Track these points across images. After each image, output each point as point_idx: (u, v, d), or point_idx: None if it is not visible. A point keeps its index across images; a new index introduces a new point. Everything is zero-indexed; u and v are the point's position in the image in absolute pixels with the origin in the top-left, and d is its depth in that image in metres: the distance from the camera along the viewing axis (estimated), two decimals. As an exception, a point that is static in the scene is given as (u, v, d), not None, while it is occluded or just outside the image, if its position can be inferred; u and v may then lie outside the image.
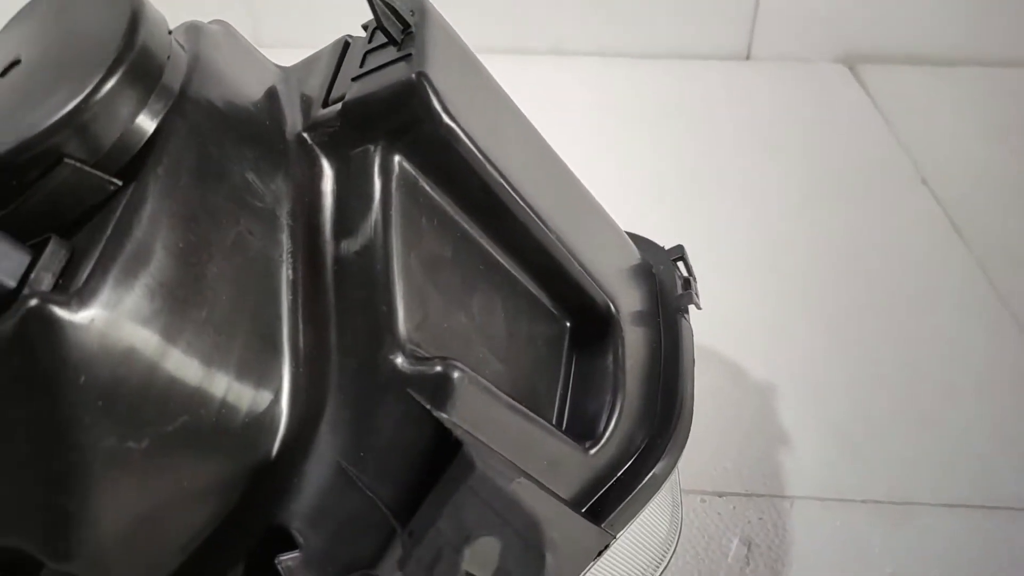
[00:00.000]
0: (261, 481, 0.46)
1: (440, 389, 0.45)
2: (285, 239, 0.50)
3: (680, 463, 0.73)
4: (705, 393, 0.93)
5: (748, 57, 1.80)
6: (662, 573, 0.67)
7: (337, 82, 0.55)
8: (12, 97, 0.44)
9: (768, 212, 1.27)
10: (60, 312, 0.37)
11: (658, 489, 0.59)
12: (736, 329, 1.00)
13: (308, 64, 0.59)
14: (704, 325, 0.85)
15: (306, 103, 0.55)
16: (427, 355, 0.46)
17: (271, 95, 0.55)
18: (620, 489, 0.57)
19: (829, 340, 1.00)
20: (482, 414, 0.46)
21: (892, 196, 1.31)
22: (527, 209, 0.55)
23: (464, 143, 0.51)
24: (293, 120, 0.54)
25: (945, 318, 1.05)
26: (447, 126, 0.50)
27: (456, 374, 0.45)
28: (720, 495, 0.79)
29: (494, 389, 0.47)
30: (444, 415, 0.44)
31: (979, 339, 1.01)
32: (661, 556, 0.67)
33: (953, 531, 0.76)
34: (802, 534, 0.75)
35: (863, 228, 1.23)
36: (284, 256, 0.50)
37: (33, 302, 0.37)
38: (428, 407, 0.44)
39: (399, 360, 0.46)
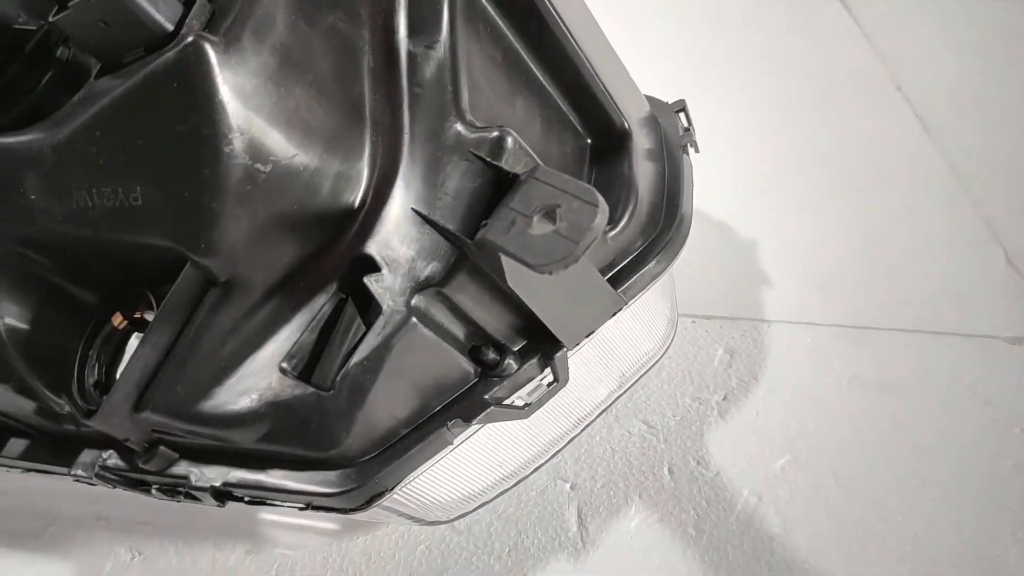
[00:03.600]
0: (349, 220, 0.55)
1: (498, 147, 0.54)
2: (366, 34, 0.58)
3: (676, 291, 0.83)
4: (698, 243, 1.03)
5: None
6: (660, 359, 0.77)
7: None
8: None
9: (757, 112, 1.35)
10: (211, 48, 0.46)
11: (664, 271, 0.68)
12: (726, 198, 1.09)
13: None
14: (699, 196, 0.95)
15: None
16: (483, 126, 0.56)
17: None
18: (632, 268, 0.67)
19: (806, 206, 1.09)
20: (529, 172, 0.55)
21: (870, 99, 1.40)
22: (564, 29, 0.64)
23: (515, -40, 0.60)
24: (369, -56, 0.62)
25: (908, 190, 1.13)
26: (502, -58, 0.59)
27: (509, 138, 0.54)
28: (708, 318, 0.89)
29: (536, 158, 0.57)
30: (502, 165, 0.53)
31: (938, 208, 1.10)
32: (661, 345, 0.77)
33: (902, 350, 0.87)
34: (777, 348, 0.86)
35: (842, 123, 1.31)
36: (366, 48, 0.58)
37: (190, 39, 0.46)
38: (489, 160, 0.54)
39: (462, 128, 0.55)
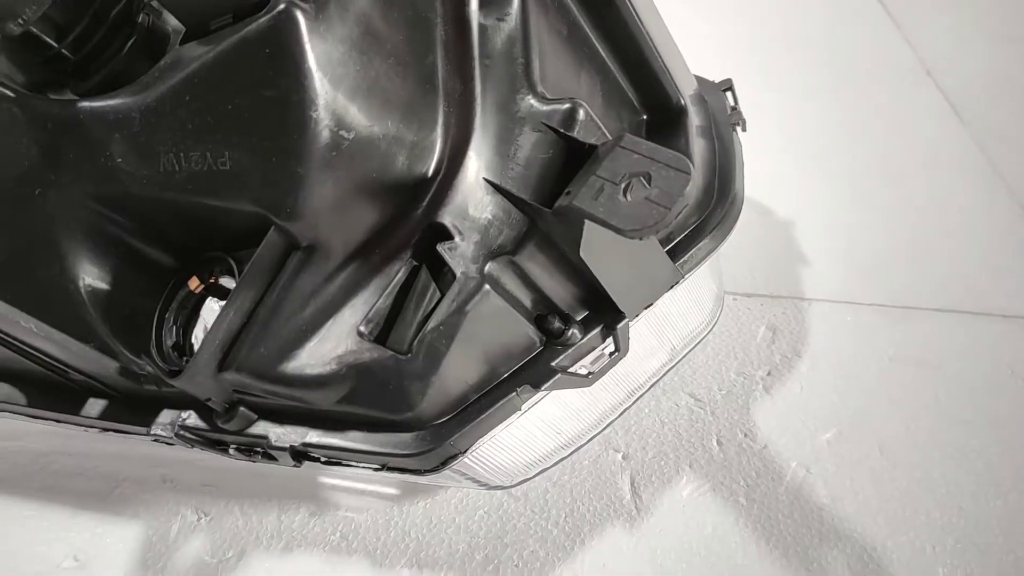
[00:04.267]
0: (423, 189, 0.55)
1: (570, 118, 0.54)
2: (439, 6, 0.59)
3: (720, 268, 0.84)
4: (739, 224, 1.04)
5: (769, -36, 1.85)
6: (707, 334, 0.78)
7: None
8: None
9: (790, 95, 1.35)
10: (302, 16, 0.47)
11: (718, 247, 0.69)
12: (763, 179, 1.09)
13: None
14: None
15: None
16: (554, 97, 0.56)
17: None
18: (687, 243, 0.67)
19: (843, 188, 1.09)
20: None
21: (901, 84, 1.39)
22: (629, 4, 0.65)
23: (582, -69, 0.60)
24: (439, -83, 0.62)
25: (944, 174, 1.13)
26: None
27: (581, 110, 0.55)
28: (749, 295, 0.90)
29: (606, 130, 0.58)
30: (575, 136, 0.54)
31: (973, 192, 1.10)
32: (709, 321, 0.78)
33: (942, 329, 0.87)
34: (818, 326, 0.86)
35: (874, 107, 1.30)
36: (438, 20, 0.59)
37: (283, 6, 0.47)
38: (561, 131, 0.54)
39: (533, 100, 0.56)
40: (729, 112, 0.82)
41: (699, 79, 0.88)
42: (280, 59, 0.47)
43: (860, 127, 1.25)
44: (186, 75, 0.49)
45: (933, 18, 1.64)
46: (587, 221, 0.48)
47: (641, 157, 0.45)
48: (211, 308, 0.60)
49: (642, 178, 0.44)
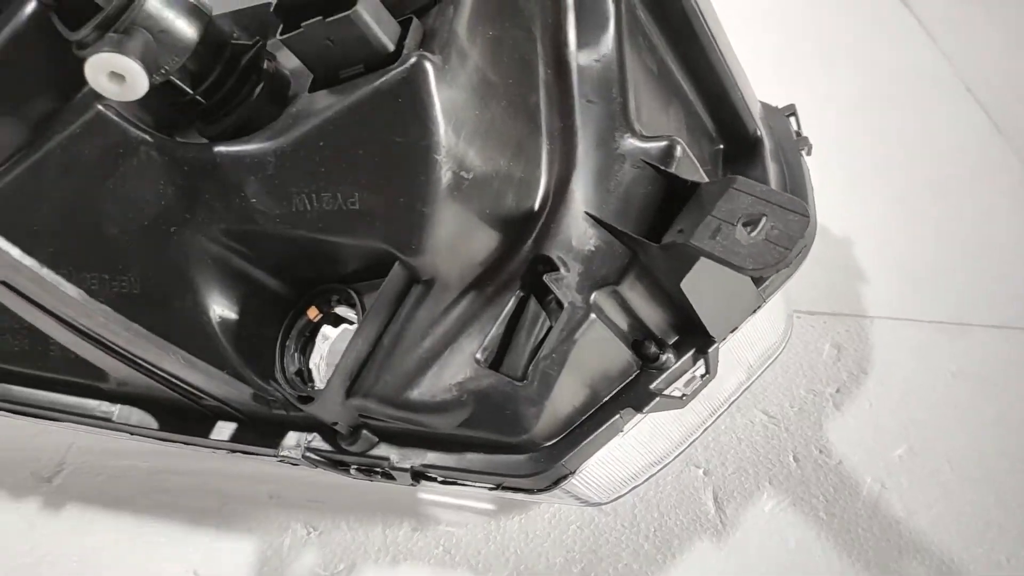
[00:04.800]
0: (530, 223, 0.58)
1: (667, 155, 0.57)
2: (539, 48, 0.62)
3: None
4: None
5: (805, -18, 1.88)
6: (780, 353, 0.80)
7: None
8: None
9: (831, 113, 1.37)
10: (432, 67, 0.50)
11: (794, 273, 0.72)
12: (817, 198, 1.12)
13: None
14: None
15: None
16: (650, 135, 0.59)
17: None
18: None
19: (893, 205, 1.10)
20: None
21: (941, 100, 1.41)
22: (712, 41, 0.67)
23: (675, -22, 0.63)
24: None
25: (989, 190, 1.14)
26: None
27: (679, 147, 0.57)
28: (811, 313, 0.92)
29: (699, 167, 0.60)
30: (674, 172, 0.57)
31: (1018, 206, 1.12)
32: (781, 339, 0.81)
33: (1000, 345, 0.89)
34: (881, 342, 0.88)
35: (917, 123, 1.32)
36: (539, 62, 0.62)
37: (415, 58, 0.50)
38: (661, 168, 0.57)
39: (631, 137, 0.58)
40: (795, 137, 0.84)
41: (762, 104, 0.91)
42: (411, 108, 0.50)
43: (905, 144, 1.27)
44: (321, 122, 0.52)
45: (967, 33, 1.66)
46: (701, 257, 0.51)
47: (756, 199, 0.48)
48: (324, 335, 0.63)
49: (759, 219, 0.47)
